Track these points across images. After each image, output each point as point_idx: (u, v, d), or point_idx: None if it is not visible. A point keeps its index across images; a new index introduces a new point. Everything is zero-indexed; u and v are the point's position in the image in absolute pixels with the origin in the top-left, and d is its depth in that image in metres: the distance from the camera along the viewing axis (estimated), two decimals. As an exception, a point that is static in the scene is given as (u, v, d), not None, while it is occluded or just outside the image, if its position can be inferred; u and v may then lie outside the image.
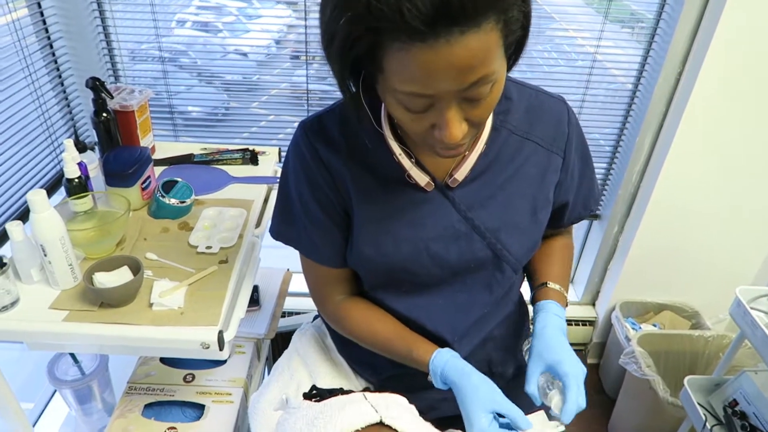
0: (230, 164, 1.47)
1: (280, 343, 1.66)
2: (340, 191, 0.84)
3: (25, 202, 0.96)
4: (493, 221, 0.84)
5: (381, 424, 0.72)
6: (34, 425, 1.51)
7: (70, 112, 1.64)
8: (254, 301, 1.57)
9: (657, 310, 2.00)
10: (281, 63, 1.75)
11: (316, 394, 0.81)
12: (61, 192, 1.18)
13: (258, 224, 1.27)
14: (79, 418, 1.35)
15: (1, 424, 1.13)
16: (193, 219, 1.24)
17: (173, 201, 1.22)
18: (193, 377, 1.35)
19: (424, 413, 0.91)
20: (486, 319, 0.94)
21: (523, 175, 0.85)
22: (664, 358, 1.80)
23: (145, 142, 1.42)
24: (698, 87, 1.54)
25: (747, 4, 1.41)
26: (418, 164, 0.81)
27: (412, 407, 0.82)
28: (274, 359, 1.31)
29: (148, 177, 1.27)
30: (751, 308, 1.30)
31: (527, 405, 0.82)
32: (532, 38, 0.66)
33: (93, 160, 1.26)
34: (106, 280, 0.99)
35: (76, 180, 1.15)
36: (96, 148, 1.35)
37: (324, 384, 1.01)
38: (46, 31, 1.51)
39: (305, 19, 1.60)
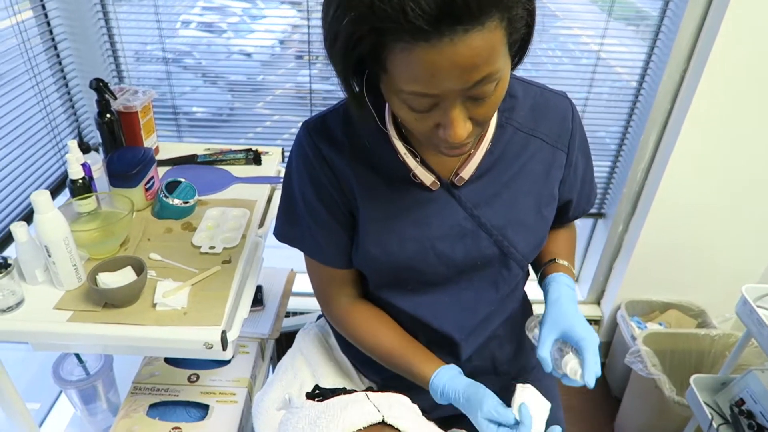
0: (233, 164, 1.47)
1: (284, 342, 1.66)
2: (345, 191, 0.83)
3: (30, 203, 0.96)
4: (500, 218, 0.84)
5: (383, 423, 0.72)
6: (40, 425, 1.52)
7: (75, 114, 1.64)
8: (258, 301, 1.58)
9: (662, 309, 1.99)
10: (285, 63, 1.75)
11: (319, 394, 0.81)
12: (66, 193, 1.19)
13: (261, 224, 1.27)
14: (84, 418, 1.36)
15: (7, 424, 1.13)
16: (197, 219, 1.24)
17: (176, 201, 1.22)
18: (198, 377, 1.35)
19: (427, 412, 0.91)
20: (492, 317, 0.94)
21: (528, 172, 0.85)
22: (669, 357, 1.79)
23: (148, 142, 1.42)
24: (703, 84, 1.53)
25: (751, 0, 1.40)
26: (423, 163, 0.81)
27: (415, 406, 0.82)
28: (278, 359, 1.31)
29: (152, 177, 1.28)
30: (758, 306, 1.29)
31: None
32: (536, 36, 0.66)
33: (97, 160, 1.26)
34: (110, 280, 1.00)
35: (80, 181, 1.15)
36: (100, 148, 1.35)
37: (327, 383, 1.01)
38: (51, 32, 1.51)
39: (308, 19, 1.60)
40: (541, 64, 1.76)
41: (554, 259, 0.95)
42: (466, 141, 0.67)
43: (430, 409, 0.95)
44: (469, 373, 0.97)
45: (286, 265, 1.73)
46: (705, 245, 1.84)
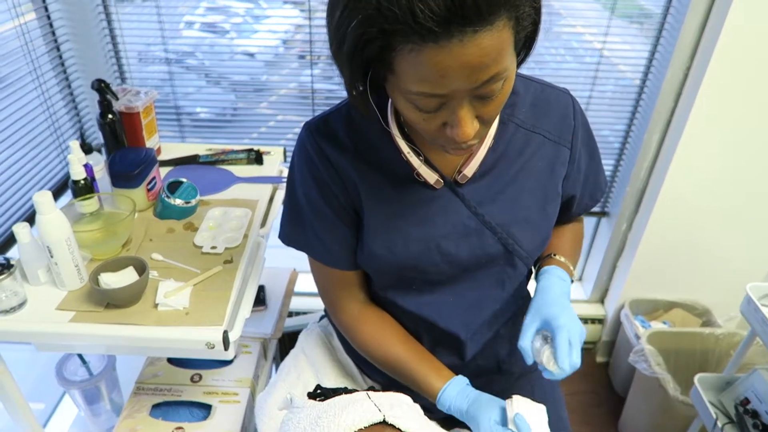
0: (235, 164, 1.47)
1: (286, 342, 1.66)
2: (349, 190, 0.83)
3: (33, 204, 0.96)
4: (504, 216, 0.84)
5: (384, 423, 0.71)
6: (44, 426, 1.52)
7: (77, 114, 1.65)
8: (260, 300, 1.58)
9: (667, 308, 1.98)
10: (288, 63, 1.75)
11: (320, 394, 0.81)
12: (68, 194, 1.19)
13: (263, 224, 1.27)
14: (87, 419, 1.36)
15: (11, 424, 1.14)
16: (198, 219, 1.25)
17: (178, 201, 1.23)
18: (200, 377, 1.35)
19: (429, 411, 0.91)
20: (497, 315, 0.94)
21: (531, 169, 0.84)
22: (674, 356, 1.78)
23: (150, 143, 1.42)
24: (707, 81, 1.52)
25: (755, -3, 1.40)
26: (426, 162, 0.81)
27: (417, 406, 0.81)
28: (281, 359, 1.31)
29: (154, 178, 1.28)
30: (762, 305, 1.28)
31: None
32: (540, 35, 0.66)
33: (99, 161, 1.26)
34: (112, 280, 1.00)
35: (82, 181, 1.16)
36: (102, 149, 1.36)
37: (330, 384, 1.01)
38: (53, 34, 1.52)
39: (310, 19, 1.60)
40: (545, 63, 1.76)
41: (552, 254, 0.94)
42: (473, 140, 0.67)
43: (433, 409, 0.95)
44: (473, 373, 0.97)
45: (288, 264, 1.73)
46: (709, 243, 1.83)
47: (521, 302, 1.00)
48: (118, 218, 1.14)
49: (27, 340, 1.00)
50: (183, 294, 1.02)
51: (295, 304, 1.82)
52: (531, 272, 1.03)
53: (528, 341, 0.81)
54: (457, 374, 0.88)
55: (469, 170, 0.81)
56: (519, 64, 0.67)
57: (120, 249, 1.14)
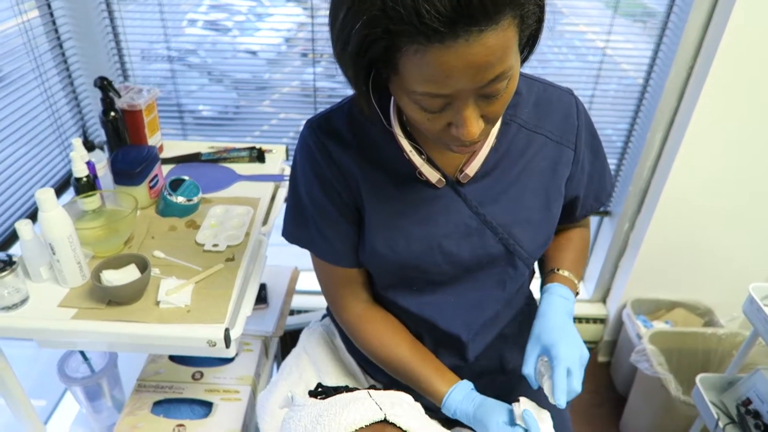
0: (237, 162, 1.48)
1: (288, 341, 1.66)
2: (351, 187, 0.83)
3: (35, 201, 0.97)
4: (505, 216, 0.83)
5: (385, 421, 0.71)
6: (46, 423, 1.53)
7: (80, 112, 1.65)
8: (262, 299, 1.58)
9: (669, 308, 1.97)
10: (290, 61, 1.75)
11: (322, 392, 0.81)
12: (71, 191, 1.19)
13: (265, 222, 1.27)
14: (89, 416, 1.37)
15: (13, 421, 1.14)
16: (200, 217, 1.25)
17: (180, 199, 1.23)
18: (202, 375, 1.36)
19: (430, 410, 0.91)
20: (499, 316, 0.94)
21: (533, 169, 0.84)
22: (676, 356, 1.77)
23: (152, 140, 1.42)
24: (710, 80, 1.52)
25: (760, -4, 1.39)
26: (429, 161, 0.80)
27: (418, 405, 0.81)
28: (283, 357, 1.32)
29: (156, 175, 1.28)
30: (765, 305, 1.28)
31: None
32: (543, 33, 0.65)
33: (101, 159, 1.27)
34: (114, 278, 1.00)
35: (85, 179, 1.16)
36: (104, 147, 1.36)
37: (333, 384, 1.01)
38: (56, 32, 1.52)
39: (312, 17, 1.59)
40: (547, 62, 1.75)
41: (555, 269, 0.93)
42: (478, 139, 0.67)
43: (434, 408, 0.95)
44: (476, 374, 0.97)
45: (290, 263, 1.73)
46: (712, 243, 1.83)
47: (524, 302, 1.00)
48: (120, 216, 1.14)
49: (29, 337, 1.00)
50: (185, 291, 1.02)
51: (297, 302, 1.82)
52: (533, 272, 1.03)
53: (531, 368, 0.81)
54: (459, 375, 0.88)
55: (471, 170, 0.81)
56: (522, 62, 0.67)
57: (122, 246, 1.14)
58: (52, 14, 1.49)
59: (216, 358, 1.35)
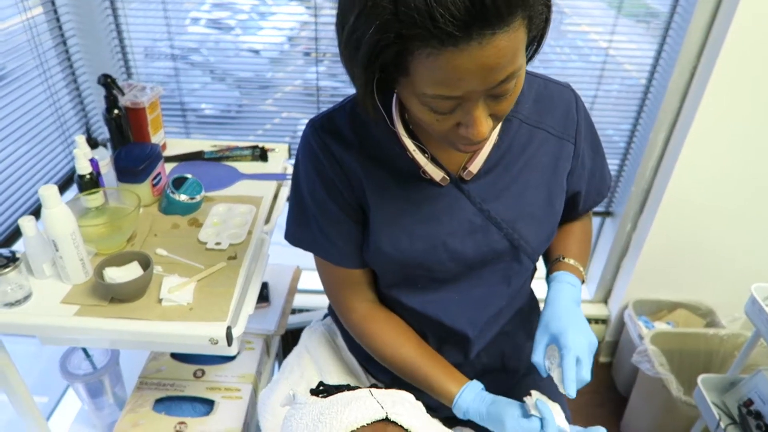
0: (240, 161, 1.48)
1: (289, 339, 1.66)
2: (354, 187, 0.83)
3: (38, 197, 0.97)
4: (509, 212, 0.84)
5: (387, 420, 0.71)
6: (48, 419, 1.53)
7: (83, 109, 1.65)
8: (264, 297, 1.58)
9: (671, 309, 1.97)
10: (293, 60, 1.75)
11: (323, 390, 0.81)
12: (74, 188, 1.20)
13: (267, 221, 1.27)
14: (91, 412, 1.37)
15: (15, 418, 1.14)
16: (203, 215, 1.25)
17: (183, 197, 1.23)
18: (203, 373, 1.36)
19: (432, 410, 0.91)
20: (502, 312, 0.94)
21: (535, 165, 0.84)
22: (677, 357, 1.77)
23: (156, 138, 1.43)
24: (713, 81, 1.52)
25: (764, -4, 1.39)
26: (432, 159, 0.81)
27: (420, 404, 0.81)
28: (284, 356, 1.32)
29: (159, 173, 1.28)
30: (767, 306, 1.28)
31: (552, 393, 0.82)
32: (546, 38, 0.66)
33: (104, 156, 1.27)
34: (117, 275, 1.00)
35: (88, 176, 1.16)
36: (108, 144, 1.36)
37: (333, 383, 1.01)
38: (60, 29, 1.52)
39: (315, 16, 1.59)
40: (550, 62, 1.75)
41: (561, 257, 0.93)
42: (487, 137, 0.67)
43: (436, 407, 0.95)
44: (478, 371, 0.97)
45: (292, 262, 1.73)
46: (714, 244, 1.83)
47: (525, 299, 1.00)
48: (123, 213, 1.14)
49: (31, 333, 1.00)
50: (187, 289, 1.03)
51: (299, 301, 1.82)
52: (536, 268, 1.03)
53: (541, 357, 0.81)
54: (461, 372, 0.88)
55: (475, 167, 0.81)
56: (528, 60, 0.67)
57: (125, 244, 1.15)
58: (56, 11, 1.49)
59: (218, 356, 1.36)
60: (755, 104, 1.55)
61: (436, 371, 0.88)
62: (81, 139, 1.17)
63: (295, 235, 0.91)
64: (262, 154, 1.49)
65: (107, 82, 1.27)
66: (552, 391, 0.83)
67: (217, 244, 1.15)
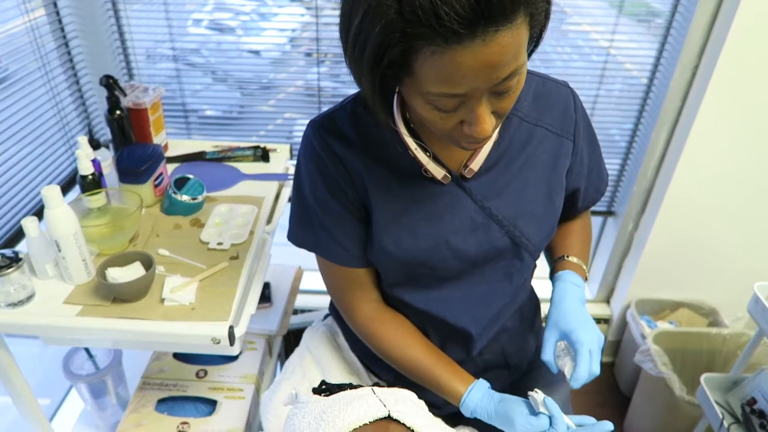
0: (241, 161, 1.48)
1: (291, 339, 1.66)
2: (356, 185, 0.83)
3: (41, 198, 0.97)
4: (510, 209, 0.84)
5: (389, 418, 0.71)
6: (51, 420, 1.53)
7: (85, 110, 1.66)
8: (266, 297, 1.58)
9: (673, 308, 1.97)
10: (295, 61, 1.75)
11: (325, 389, 0.81)
12: (76, 189, 1.20)
13: (269, 221, 1.27)
14: (93, 413, 1.37)
15: (19, 419, 1.15)
16: (205, 216, 1.25)
17: (185, 198, 1.23)
18: (206, 373, 1.36)
19: (435, 408, 0.91)
20: (504, 309, 0.94)
21: (535, 162, 0.85)
22: (680, 356, 1.77)
23: (157, 139, 1.43)
24: (714, 80, 1.52)
25: (765, -5, 1.39)
26: (434, 158, 0.81)
27: (422, 402, 0.81)
28: (286, 356, 1.32)
29: (161, 174, 1.29)
30: (770, 305, 1.27)
31: (552, 390, 0.82)
32: (546, 33, 0.66)
33: (107, 157, 1.27)
34: (119, 275, 1.00)
35: (90, 177, 1.16)
36: (110, 145, 1.36)
37: (336, 382, 1.01)
38: (62, 30, 1.53)
39: (317, 17, 1.60)
40: (551, 61, 1.75)
41: (564, 255, 0.94)
42: (490, 135, 0.68)
43: (439, 405, 0.95)
44: (480, 368, 0.97)
45: (294, 262, 1.73)
46: (716, 243, 1.82)
47: (526, 296, 1.00)
48: (126, 213, 1.14)
49: (34, 334, 1.01)
50: (189, 289, 1.03)
51: (300, 301, 1.82)
52: (535, 266, 1.03)
53: (550, 354, 0.84)
54: (463, 369, 0.88)
55: (476, 164, 0.81)
56: (528, 56, 0.68)
57: (127, 244, 1.15)
58: (58, 13, 1.50)
59: (220, 356, 1.36)
60: (757, 103, 1.55)
61: (444, 371, 0.88)
62: (83, 140, 1.17)
63: (297, 235, 0.91)
64: (263, 155, 1.50)
65: (109, 83, 1.28)
66: (553, 388, 0.84)
67: (219, 244, 1.15)
